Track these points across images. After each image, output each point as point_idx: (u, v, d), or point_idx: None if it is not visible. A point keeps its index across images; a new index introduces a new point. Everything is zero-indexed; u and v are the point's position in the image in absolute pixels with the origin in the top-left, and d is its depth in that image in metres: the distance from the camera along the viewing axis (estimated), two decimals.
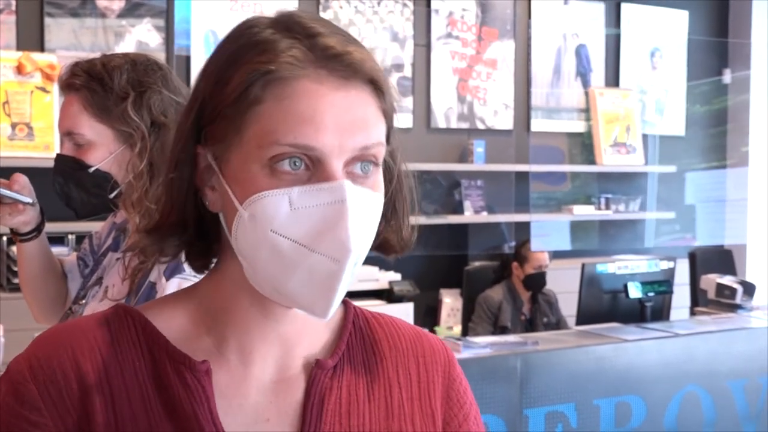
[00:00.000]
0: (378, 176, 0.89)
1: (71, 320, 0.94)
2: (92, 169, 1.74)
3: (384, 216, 0.93)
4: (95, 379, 0.88)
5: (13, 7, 4.26)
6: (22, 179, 1.90)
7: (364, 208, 0.86)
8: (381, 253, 0.98)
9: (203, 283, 0.97)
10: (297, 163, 0.84)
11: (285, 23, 0.88)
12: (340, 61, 0.85)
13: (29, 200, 1.87)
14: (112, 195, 1.75)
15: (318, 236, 0.84)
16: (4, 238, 4.10)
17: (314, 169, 0.85)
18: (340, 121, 0.84)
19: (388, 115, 0.90)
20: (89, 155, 1.75)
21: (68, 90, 1.76)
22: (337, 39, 0.87)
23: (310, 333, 0.98)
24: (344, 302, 1.03)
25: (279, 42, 0.86)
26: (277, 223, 0.84)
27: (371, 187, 0.88)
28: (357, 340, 1.01)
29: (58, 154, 1.80)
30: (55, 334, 0.92)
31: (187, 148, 0.90)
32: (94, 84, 1.72)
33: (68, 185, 1.80)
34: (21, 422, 0.87)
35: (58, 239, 4.15)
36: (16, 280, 4.02)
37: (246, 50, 0.86)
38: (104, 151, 1.74)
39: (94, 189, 1.77)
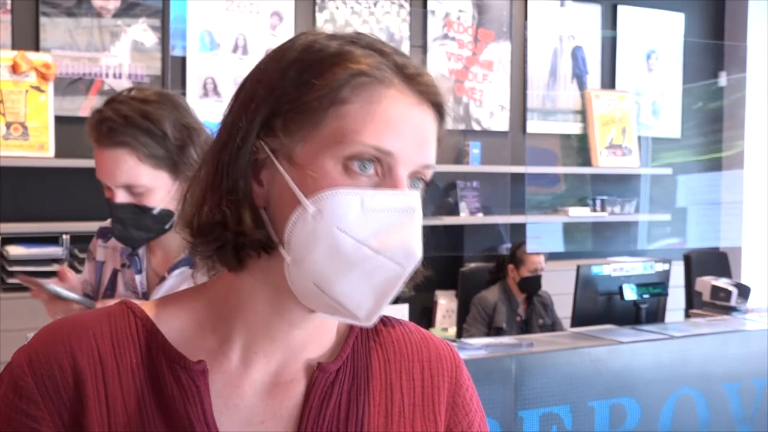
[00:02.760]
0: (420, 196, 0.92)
1: (74, 315, 0.95)
2: (156, 211, 1.83)
3: None
4: (90, 374, 0.89)
5: (9, 6, 4.25)
6: (70, 275, 1.98)
7: (422, 220, 0.89)
8: None
9: (216, 282, 0.97)
10: (367, 166, 0.86)
11: (359, 41, 0.91)
12: (418, 80, 0.90)
13: (88, 303, 1.95)
14: (168, 225, 1.84)
15: (386, 240, 0.85)
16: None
17: (383, 174, 0.87)
18: (416, 134, 0.88)
19: (439, 143, 0.94)
20: (150, 199, 1.82)
21: (113, 146, 1.79)
22: (410, 60, 0.91)
23: (317, 337, 0.98)
24: None
25: (358, 50, 0.89)
26: (346, 222, 0.84)
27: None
28: (362, 344, 1.01)
29: (117, 204, 1.84)
30: (56, 328, 0.92)
31: (250, 140, 0.89)
32: (143, 137, 1.78)
33: (128, 230, 1.86)
34: (20, 415, 0.88)
35: (52, 239, 4.14)
36: (10, 281, 4.01)
37: (332, 54, 0.89)
38: (163, 192, 1.82)
39: (155, 226, 1.85)
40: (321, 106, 0.87)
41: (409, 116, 0.88)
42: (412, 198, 0.87)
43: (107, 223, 2.08)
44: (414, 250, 0.86)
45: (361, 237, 0.84)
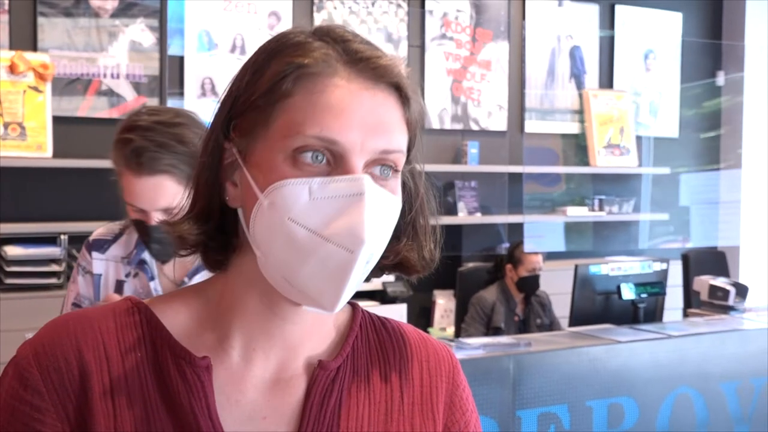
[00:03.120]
0: (396, 183, 0.92)
1: (81, 310, 0.97)
2: None
3: (403, 234, 0.96)
4: (96, 368, 0.90)
5: (6, 7, 4.25)
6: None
7: (381, 205, 0.87)
8: (401, 272, 1.00)
9: (214, 281, 0.99)
10: (319, 157, 0.87)
11: (320, 32, 0.92)
12: (369, 63, 0.89)
13: None
14: None
15: (333, 226, 0.85)
16: None
17: (335, 164, 0.87)
18: (365, 120, 0.87)
19: (411, 126, 0.93)
20: None
21: (153, 174, 1.83)
22: (366, 46, 0.91)
23: (316, 334, 0.99)
24: (353, 305, 1.05)
25: (312, 43, 0.89)
26: (295, 212, 0.85)
27: (390, 190, 0.90)
28: (362, 343, 1.02)
29: (155, 226, 1.88)
30: (63, 322, 0.94)
31: (217, 142, 0.92)
32: (181, 161, 1.83)
33: (166, 248, 1.90)
34: (24, 406, 0.89)
35: (50, 239, 4.14)
36: (8, 281, 4.01)
37: (281, 48, 0.90)
38: None
39: None
40: (268, 103, 0.88)
41: (355, 103, 0.87)
42: (360, 182, 0.86)
43: (99, 234, 2.09)
44: (360, 234, 0.84)
45: (311, 225, 0.85)
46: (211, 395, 0.92)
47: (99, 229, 2.11)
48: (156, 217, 1.85)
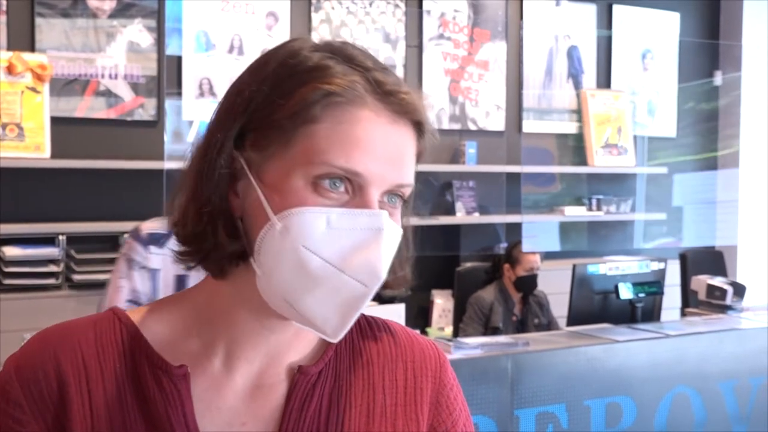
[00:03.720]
0: (399, 212, 0.92)
1: (63, 322, 0.97)
2: None
3: None
4: (74, 378, 0.92)
5: (4, 7, 4.25)
6: None
7: (394, 240, 0.89)
8: None
9: (202, 286, 0.99)
10: (338, 184, 0.86)
11: (334, 51, 0.90)
12: (397, 97, 0.89)
13: None
14: None
15: (350, 259, 0.85)
16: None
17: (354, 193, 0.87)
18: (388, 153, 0.88)
19: (419, 157, 0.94)
20: None
21: None
22: (390, 76, 0.90)
23: (300, 341, 0.99)
24: None
25: (337, 67, 0.89)
26: (311, 240, 0.85)
27: (395, 220, 0.91)
28: (346, 345, 1.01)
29: None
30: (44, 335, 0.95)
31: (226, 151, 0.90)
32: None
33: None
34: (6, 419, 0.91)
35: (48, 240, 4.14)
36: (7, 281, 4.01)
37: (307, 70, 0.89)
38: None
39: None
40: (291, 125, 0.87)
41: (381, 137, 0.87)
42: (379, 218, 0.87)
43: (153, 228, 2.03)
44: (378, 270, 0.86)
45: (325, 255, 0.85)
46: (189, 403, 0.92)
47: (149, 223, 2.05)
48: None
